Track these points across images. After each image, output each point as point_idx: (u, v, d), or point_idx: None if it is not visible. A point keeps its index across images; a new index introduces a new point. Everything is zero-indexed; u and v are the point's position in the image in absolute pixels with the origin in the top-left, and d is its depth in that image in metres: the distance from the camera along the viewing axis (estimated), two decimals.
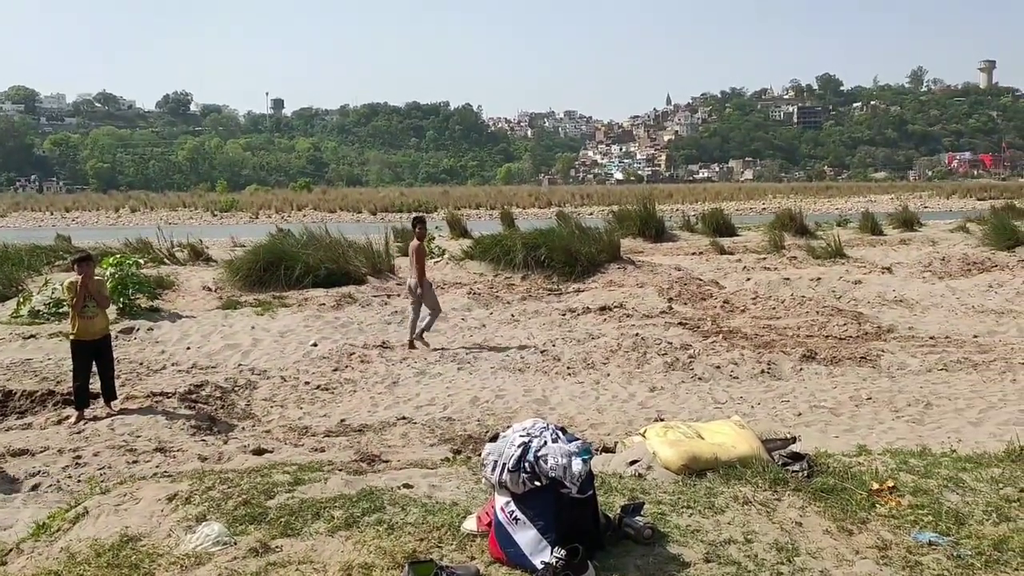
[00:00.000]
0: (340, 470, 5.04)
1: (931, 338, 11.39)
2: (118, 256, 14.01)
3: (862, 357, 10.27)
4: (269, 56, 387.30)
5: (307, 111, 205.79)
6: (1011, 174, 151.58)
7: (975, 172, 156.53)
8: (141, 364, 10.35)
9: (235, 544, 3.69)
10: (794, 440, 4.93)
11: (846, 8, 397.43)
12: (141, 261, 15.14)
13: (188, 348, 11.16)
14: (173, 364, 10.40)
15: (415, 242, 11.63)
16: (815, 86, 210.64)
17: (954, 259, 17.41)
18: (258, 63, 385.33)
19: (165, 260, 18.74)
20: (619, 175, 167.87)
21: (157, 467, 6.50)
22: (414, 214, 12.97)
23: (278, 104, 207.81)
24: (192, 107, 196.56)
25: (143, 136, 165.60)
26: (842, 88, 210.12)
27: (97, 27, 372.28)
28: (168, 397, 8.65)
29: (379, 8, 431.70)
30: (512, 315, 13.24)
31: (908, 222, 26.74)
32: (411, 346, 11.15)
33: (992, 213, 24.10)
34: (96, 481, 5.84)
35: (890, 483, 4.33)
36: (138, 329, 11.94)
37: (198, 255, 19.46)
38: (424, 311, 11.54)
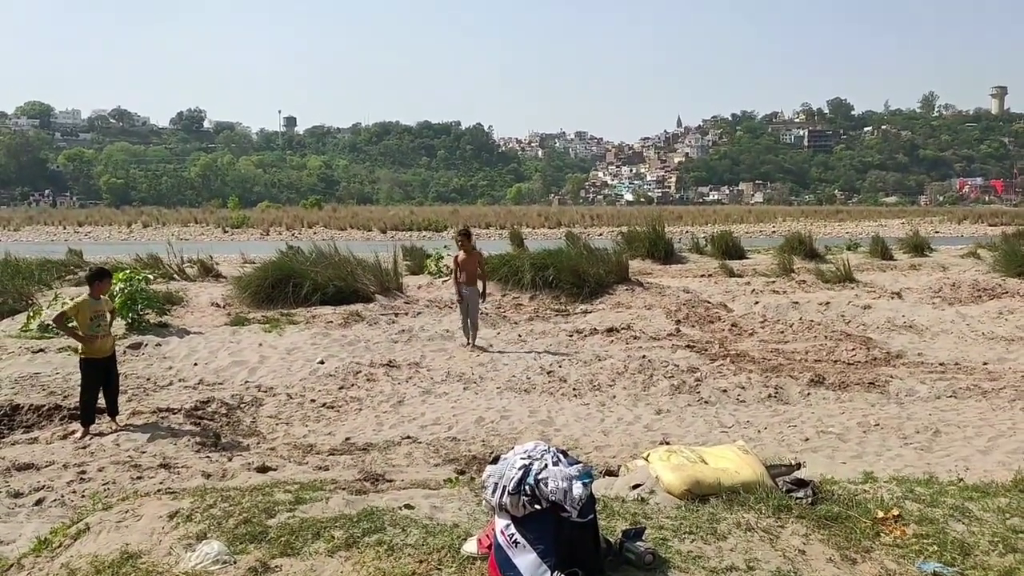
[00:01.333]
0: (342, 489, 5.03)
1: (940, 364, 11.32)
2: (128, 271, 14.09)
3: (870, 383, 10.21)
4: (282, 74, 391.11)
5: (319, 129, 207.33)
6: (1023, 200, 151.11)
7: (986, 198, 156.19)
8: (148, 380, 10.38)
9: (235, 563, 3.69)
10: (799, 466, 4.90)
11: (857, 33, 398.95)
12: (151, 276, 15.21)
13: (195, 364, 11.18)
14: (180, 380, 10.42)
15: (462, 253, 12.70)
16: (826, 110, 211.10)
17: (964, 285, 17.32)
18: (272, 81, 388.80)
19: (175, 276, 18.83)
20: (629, 196, 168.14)
21: (161, 483, 6.50)
22: (461, 226, 14.79)
23: (290, 122, 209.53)
24: (205, 124, 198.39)
25: (156, 152, 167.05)
26: (853, 112, 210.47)
27: (113, 44, 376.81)
28: (174, 413, 8.67)
29: (392, 28, 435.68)
30: (519, 335, 13.23)
31: (918, 247, 26.67)
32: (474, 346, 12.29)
33: (1003, 239, 24.00)
34: (99, 497, 5.85)
35: (895, 512, 4.29)
36: (146, 345, 11.98)
37: (208, 271, 19.56)
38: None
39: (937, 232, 50.99)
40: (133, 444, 7.64)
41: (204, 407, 9.03)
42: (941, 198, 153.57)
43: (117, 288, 12.64)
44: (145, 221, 67.47)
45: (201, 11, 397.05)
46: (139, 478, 6.71)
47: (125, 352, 11.44)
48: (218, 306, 15.45)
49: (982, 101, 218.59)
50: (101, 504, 4.92)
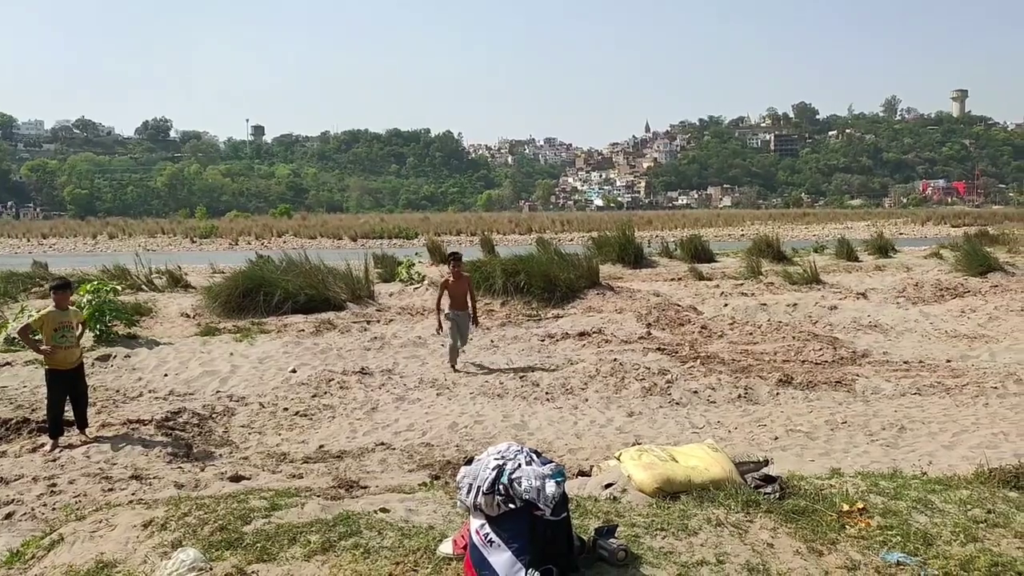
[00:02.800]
0: (317, 496, 5.04)
1: (905, 363, 11.55)
2: (95, 283, 13.93)
3: (837, 381, 10.40)
4: (250, 83, 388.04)
5: (287, 137, 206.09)
6: (984, 201, 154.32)
7: (949, 199, 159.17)
8: (118, 391, 10.28)
9: (211, 570, 3.69)
10: (767, 463, 5.00)
11: (821, 37, 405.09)
12: (118, 288, 15.04)
13: (165, 375, 11.10)
14: (150, 391, 10.33)
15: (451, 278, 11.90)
16: (791, 114, 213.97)
17: (928, 285, 17.67)
18: (239, 90, 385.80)
19: (143, 287, 18.64)
20: (599, 201, 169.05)
21: (133, 494, 6.45)
22: (451, 252, 13.68)
23: (258, 130, 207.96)
24: (171, 133, 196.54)
25: (121, 162, 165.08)
26: (818, 116, 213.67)
27: (77, 54, 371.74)
28: (145, 424, 8.59)
29: (359, 35, 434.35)
30: (491, 341, 13.28)
31: (883, 248, 27.12)
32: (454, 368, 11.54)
33: (965, 240, 24.50)
34: (71, 508, 5.80)
35: (860, 505, 4.40)
36: (115, 356, 11.86)
37: (176, 281, 19.37)
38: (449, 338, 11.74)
39: (901, 234, 51.86)
40: (103, 456, 7.57)
41: (175, 418, 8.96)
42: (905, 200, 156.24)
43: (85, 300, 12.50)
44: (111, 232, 66.61)
45: (166, 20, 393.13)
46: (110, 490, 6.66)
47: (94, 364, 11.31)
48: (188, 316, 15.33)
49: (943, 104, 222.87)
50: (74, 515, 4.89)
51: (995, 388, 9.96)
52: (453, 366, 11.49)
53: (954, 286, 17.40)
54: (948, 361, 11.62)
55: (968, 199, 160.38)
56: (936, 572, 3.76)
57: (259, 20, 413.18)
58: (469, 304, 11.88)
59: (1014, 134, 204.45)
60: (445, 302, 11.77)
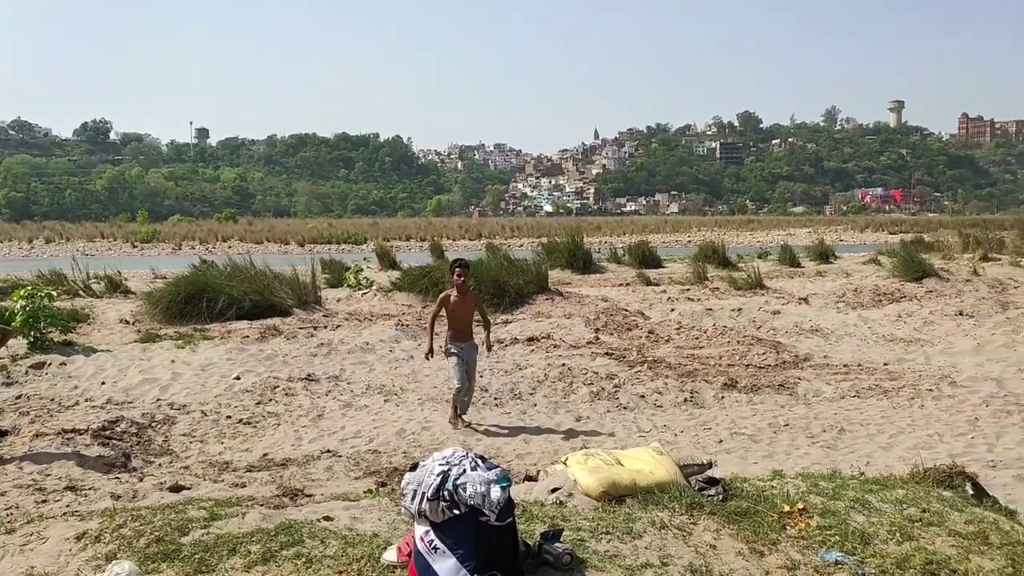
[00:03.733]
0: (260, 505, 4.95)
1: (844, 366, 11.82)
2: (30, 288, 13.50)
3: (780, 385, 10.60)
4: (193, 84, 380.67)
5: (233, 141, 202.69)
6: (920, 209, 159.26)
7: (887, 207, 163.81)
8: (52, 400, 9.96)
9: None
10: (710, 465, 5.07)
11: (765, 47, 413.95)
12: (54, 293, 14.60)
13: (103, 383, 10.79)
14: (87, 400, 10.03)
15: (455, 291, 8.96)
16: (736, 123, 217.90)
17: (866, 290, 18.12)
18: (182, 91, 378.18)
19: (80, 292, 18.13)
20: (548, 207, 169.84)
21: (67, 506, 6.25)
22: (456, 259, 9.82)
23: (202, 133, 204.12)
24: (112, 135, 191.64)
25: (59, 165, 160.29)
26: (761, 125, 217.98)
27: (12, 52, 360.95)
28: (81, 434, 8.33)
29: (307, 38, 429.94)
30: (439, 346, 13.19)
31: (824, 255, 27.73)
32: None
33: (902, 246, 25.19)
34: (1, 521, 5.59)
35: (800, 505, 4.48)
36: (50, 364, 11.49)
37: (116, 287, 18.88)
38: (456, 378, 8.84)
39: (841, 240, 53.21)
40: (37, 467, 7.32)
41: (112, 427, 8.71)
42: (845, 208, 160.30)
43: (18, 306, 12.10)
44: (48, 236, 64.64)
45: (105, 18, 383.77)
46: (44, 501, 6.44)
47: (27, 372, 10.97)
48: (127, 323, 14.95)
49: (881, 115, 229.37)
50: (3, 528, 4.71)
51: (930, 390, 10.26)
52: (459, 417, 8.73)
53: (891, 291, 17.88)
54: (885, 364, 11.93)
55: (905, 207, 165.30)
56: (873, 570, 3.84)
57: (202, 20, 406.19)
58: (484, 331, 9.13)
59: (949, 144, 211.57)
60: (441, 326, 9.16)
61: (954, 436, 8.35)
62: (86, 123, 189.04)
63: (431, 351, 9.09)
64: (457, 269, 8.91)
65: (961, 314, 14.95)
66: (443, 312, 8.99)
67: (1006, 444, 8.05)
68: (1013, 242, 26.59)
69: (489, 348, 9.22)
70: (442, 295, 9.10)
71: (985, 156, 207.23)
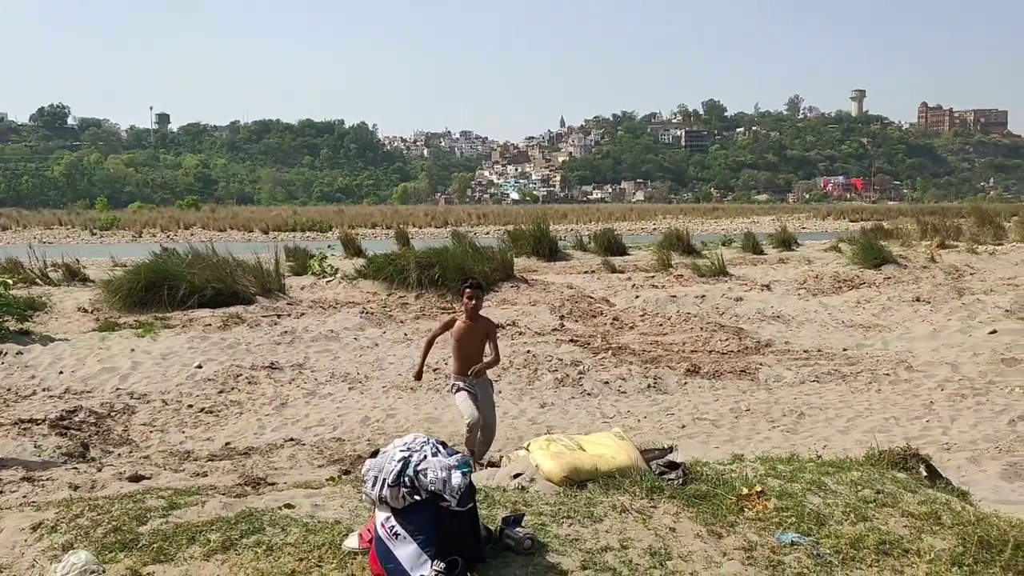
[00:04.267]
0: (221, 493, 4.91)
1: (805, 352, 12.01)
2: None
3: (742, 371, 10.74)
4: (153, 68, 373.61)
5: (195, 127, 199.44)
6: (880, 197, 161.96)
7: (848, 195, 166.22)
8: (9, 390, 9.78)
9: (103, 572, 3.56)
10: (671, 450, 5.13)
11: (729, 35, 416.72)
12: (10, 281, 14.31)
13: (61, 372, 10.61)
14: (44, 389, 9.87)
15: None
16: (701, 111, 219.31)
17: (827, 277, 18.39)
18: (141, 76, 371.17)
19: (37, 280, 17.75)
20: (515, 195, 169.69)
21: (24, 497, 6.15)
22: (466, 277, 8.07)
23: (163, 119, 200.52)
24: (70, 120, 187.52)
25: (15, 151, 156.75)
26: (726, 113, 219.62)
27: None
28: (38, 424, 8.20)
29: (269, 23, 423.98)
30: (405, 334, 13.18)
31: (786, 242, 28.07)
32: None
33: (862, 234, 25.58)
34: None
35: (759, 488, 4.55)
36: (5, 353, 11.27)
37: (74, 275, 18.53)
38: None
39: (804, 228, 53.87)
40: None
41: (71, 417, 8.58)
42: (807, 196, 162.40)
43: None
44: (3, 224, 63.08)
45: (61, 0, 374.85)
46: (0, 493, 6.33)
47: None
48: (86, 311, 14.69)
49: (843, 104, 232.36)
50: None
51: (887, 375, 10.46)
52: (476, 459, 6.53)
53: (851, 278, 18.17)
54: (844, 350, 12.14)
55: (865, 195, 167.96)
56: (827, 551, 3.92)
57: (161, 2, 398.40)
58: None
59: (908, 133, 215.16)
60: (433, 352, 7.61)
61: (910, 419, 8.53)
62: (43, 108, 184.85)
63: (420, 373, 7.31)
64: (468, 290, 6.86)
65: (918, 300, 15.25)
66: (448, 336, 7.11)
67: (960, 427, 8.25)
68: (969, 229, 27.15)
69: (474, 372, 6.83)
70: (447, 319, 7.31)
71: (944, 145, 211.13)
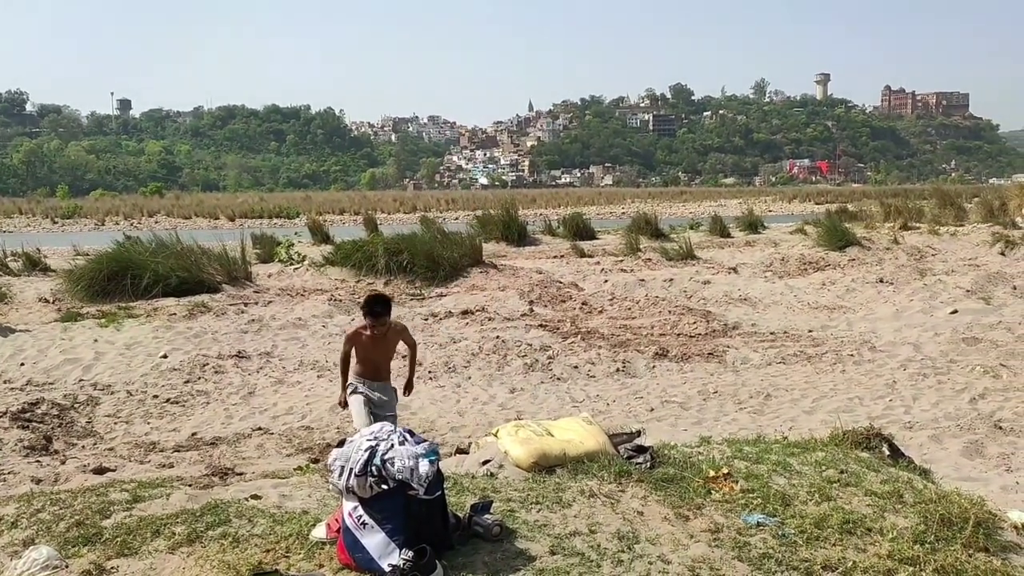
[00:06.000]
0: (187, 485, 4.86)
1: (771, 334, 12.14)
2: None
3: (710, 353, 10.83)
4: (113, 53, 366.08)
5: (157, 112, 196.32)
6: (845, 180, 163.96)
7: (813, 178, 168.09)
8: None
9: (66, 567, 3.50)
10: (639, 434, 5.15)
11: (696, 20, 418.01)
12: None
13: (22, 364, 10.40)
14: (5, 382, 9.67)
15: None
16: (668, 95, 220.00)
17: (793, 259, 18.59)
18: (101, 60, 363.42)
19: None
20: (484, 180, 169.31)
21: None
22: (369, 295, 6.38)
23: (125, 104, 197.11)
24: (28, 107, 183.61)
25: None
26: (693, 97, 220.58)
27: None
28: None
29: (234, 6, 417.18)
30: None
31: (753, 225, 28.26)
32: None
33: (827, 216, 25.87)
34: None
35: (725, 470, 4.59)
36: None
37: (34, 265, 18.19)
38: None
39: (770, 211, 54.34)
40: None
41: (33, 409, 8.42)
42: (774, 179, 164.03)
43: None
44: None
45: None
46: None
47: None
48: (47, 301, 14.43)
49: (808, 87, 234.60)
50: None
51: (851, 355, 10.61)
52: None
53: (816, 260, 18.38)
54: (810, 331, 12.28)
55: (830, 178, 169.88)
56: (792, 531, 3.97)
57: None
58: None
59: (872, 116, 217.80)
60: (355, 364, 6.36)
61: (873, 399, 8.67)
62: (0, 93, 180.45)
63: (343, 400, 6.47)
64: (369, 319, 5.98)
65: (881, 281, 15.47)
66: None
67: (922, 406, 8.40)
68: (931, 211, 27.53)
69: (408, 391, 6.77)
70: (350, 332, 6.41)
71: (906, 128, 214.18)
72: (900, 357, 10.42)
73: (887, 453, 5.50)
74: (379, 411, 6.15)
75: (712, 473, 4.53)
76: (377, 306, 5.96)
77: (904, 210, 27.04)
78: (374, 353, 6.21)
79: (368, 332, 6.03)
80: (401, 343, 6.44)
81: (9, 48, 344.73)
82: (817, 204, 58.27)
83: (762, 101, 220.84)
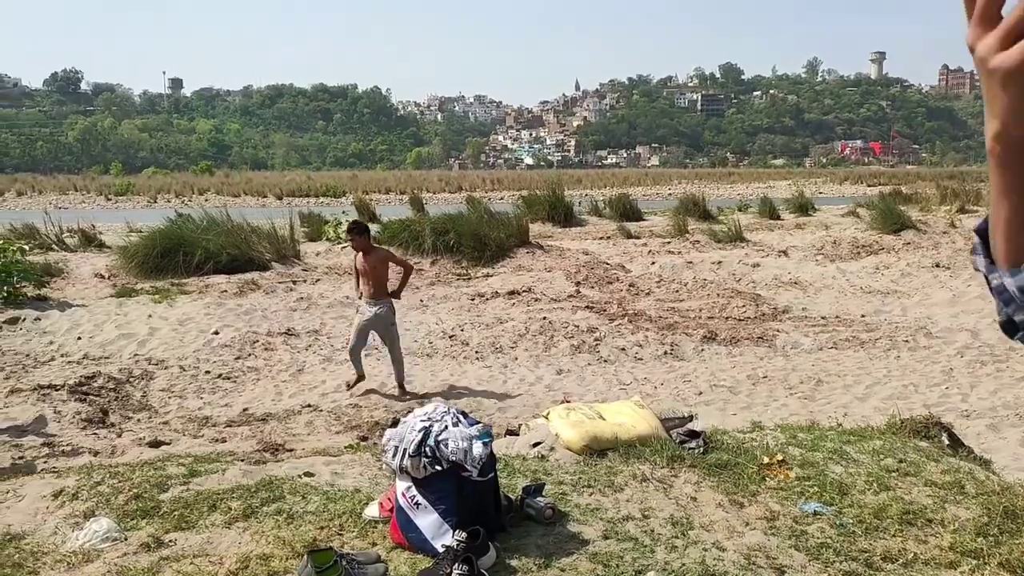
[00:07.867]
0: (240, 460, 4.92)
1: (823, 318, 11.90)
2: (1, 243, 13.26)
3: (759, 337, 10.65)
4: (166, 32, 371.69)
5: (208, 91, 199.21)
6: (899, 161, 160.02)
7: (866, 159, 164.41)
8: (27, 356, 9.84)
9: (125, 540, 3.57)
10: (691, 418, 5.08)
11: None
12: (26, 247, 14.37)
13: (79, 338, 10.66)
14: (62, 355, 9.93)
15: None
16: (718, 75, 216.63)
17: (845, 242, 18.20)
18: (154, 40, 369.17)
19: (54, 246, 17.85)
20: (529, 160, 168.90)
21: (45, 463, 6.21)
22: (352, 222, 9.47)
23: (176, 84, 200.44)
24: (83, 86, 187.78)
25: (30, 116, 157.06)
26: (743, 77, 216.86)
27: None
28: (57, 390, 8.26)
29: None
30: (421, 300, 13.16)
31: (803, 207, 27.80)
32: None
33: (880, 199, 25.26)
34: None
35: (780, 457, 4.51)
36: (24, 319, 11.34)
37: (90, 241, 18.61)
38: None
39: (821, 193, 53.23)
40: (12, 424, 7.25)
41: (89, 382, 8.64)
42: (824, 160, 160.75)
43: None
44: (19, 189, 63.37)
45: None
46: (20, 458, 6.39)
47: (1, 328, 10.81)
48: (102, 277, 14.76)
49: (862, 66, 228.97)
50: None
51: (906, 341, 10.36)
52: (347, 384, 8.58)
53: (869, 243, 17.97)
54: (863, 316, 12.02)
55: (884, 159, 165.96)
56: (851, 520, 3.88)
57: None
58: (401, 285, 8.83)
59: (928, 96, 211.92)
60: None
61: (929, 386, 8.45)
62: (56, 73, 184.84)
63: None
64: (348, 236, 8.71)
65: (938, 266, 15.06)
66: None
67: (980, 394, 8.16)
68: (990, 194, 26.79)
69: (396, 296, 8.61)
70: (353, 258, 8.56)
71: (964, 108, 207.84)
72: (957, 344, 10.14)
73: (947, 442, 5.35)
74: (372, 327, 8.33)
75: (766, 460, 4.45)
76: (354, 227, 8.52)
77: (961, 193, 26.33)
78: (368, 276, 8.25)
79: (354, 254, 8.39)
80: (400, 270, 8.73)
81: (65, 28, 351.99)
82: (870, 186, 56.92)
83: (814, 80, 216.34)
